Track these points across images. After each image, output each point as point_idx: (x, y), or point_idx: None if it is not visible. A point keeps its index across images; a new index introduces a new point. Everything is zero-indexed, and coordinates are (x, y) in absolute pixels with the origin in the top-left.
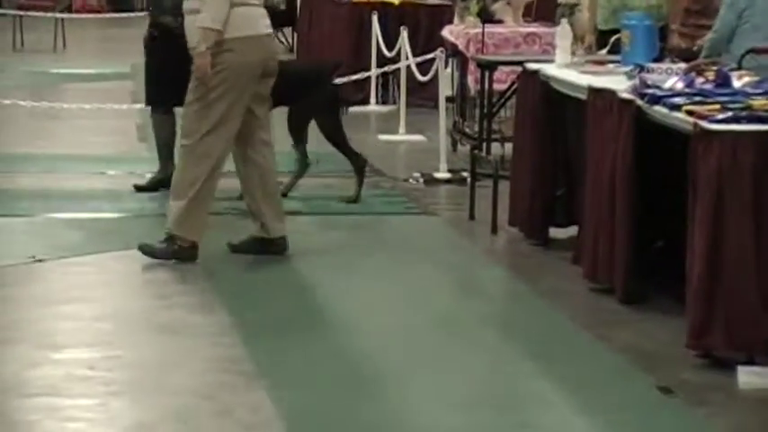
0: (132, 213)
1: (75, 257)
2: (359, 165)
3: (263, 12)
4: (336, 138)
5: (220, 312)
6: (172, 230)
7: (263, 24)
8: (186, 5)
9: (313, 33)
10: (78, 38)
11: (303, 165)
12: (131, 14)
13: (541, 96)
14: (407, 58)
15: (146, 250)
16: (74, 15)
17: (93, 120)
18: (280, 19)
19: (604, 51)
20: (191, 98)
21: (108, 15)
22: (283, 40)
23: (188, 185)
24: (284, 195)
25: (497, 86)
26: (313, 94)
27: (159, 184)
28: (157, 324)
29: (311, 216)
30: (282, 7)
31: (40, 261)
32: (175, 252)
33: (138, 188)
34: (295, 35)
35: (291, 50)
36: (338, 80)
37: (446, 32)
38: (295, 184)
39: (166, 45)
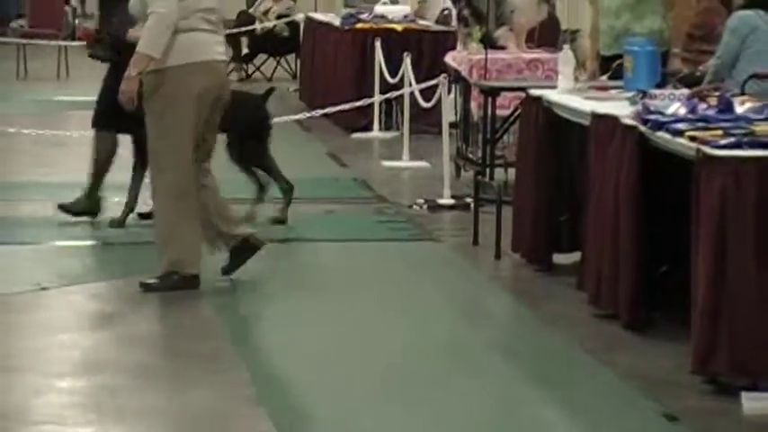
0: (137, 240)
1: (80, 285)
2: (287, 189)
3: (217, 38)
4: (266, 163)
5: (223, 339)
6: (168, 269)
7: (215, 51)
8: (132, 34)
9: (316, 60)
10: (81, 65)
11: (261, 189)
12: None
13: (544, 122)
14: (410, 85)
15: (147, 288)
16: (76, 43)
17: None
18: (283, 46)
19: (606, 77)
20: (148, 134)
21: None
22: (287, 67)
23: (167, 224)
24: (251, 221)
25: (500, 112)
26: (245, 120)
27: (83, 211)
28: (162, 350)
29: (312, 242)
30: (286, 34)
31: (44, 289)
32: (175, 283)
33: (61, 206)
34: (298, 62)
35: (295, 78)
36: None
37: (449, 59)
38: (255, 209)
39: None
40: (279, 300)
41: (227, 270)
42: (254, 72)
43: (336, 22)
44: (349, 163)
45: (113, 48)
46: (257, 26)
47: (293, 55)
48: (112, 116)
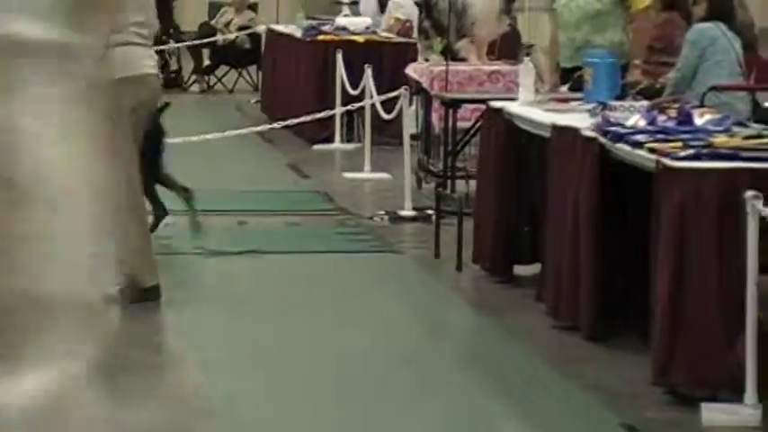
0: None
1: None
2: (188, 197)
3: (148, 51)
4: (161, 177)
5: (177, 351)
6: (127, 282)
7: (147, 64)
8: None
9: (278, 72)
10: None
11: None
12: None
13: (505, 134)
14: (372, 97)
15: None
16: None
17: None
18: (244, 58)
19: (566, 88)
20: None
21: None
22: (248, 78)
23: (122, 239)
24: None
25: (462, 124)
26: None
27: None
28: (115, 360)
29: (273, 254)
30: (247, 46)
31: None
32: (136, 296)
33: None
34: (260, 74)
35: (257, 90)
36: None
37: (410, 70)
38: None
39: None
40: (237, 311)
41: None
42: (215, 84)
43: (298, 33)
44: (310, 174)
45: None
46: (219, 38)
47: (254, 67)
48: None
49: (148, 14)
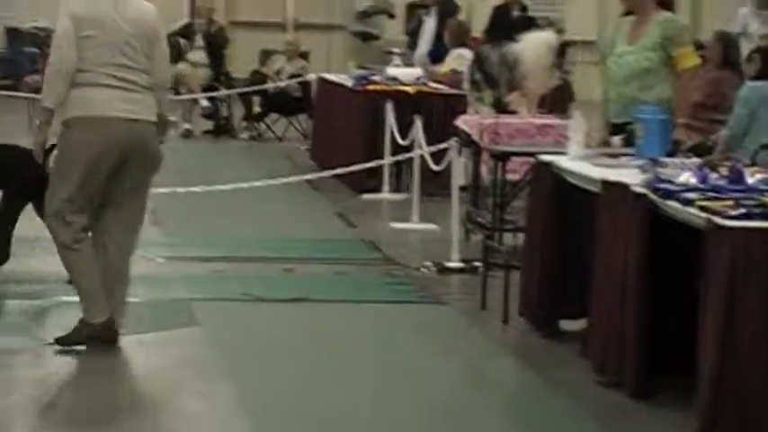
0: (142, 299)
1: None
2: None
3: (126, 95)
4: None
5: (227, 401)
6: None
7: (116, 107)
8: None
9: (327, 121)
10: None
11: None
12: None
13: (554, 188)
14: (421, 147)
15: (60, 341)
16: None
17: None
18: (295, 106)
19: (617, 139)
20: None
21: None
22: (298, 126)
23: (67, 271)
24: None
25: (510, 176)
26: (25, 178)
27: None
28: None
29: (319, 303)
30: (298, 94)
31: (51, 344)
32: (90, 334)
33: None
34: (310, 122)
35: (306, 137)
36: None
37: (460, 122)
38: None
39: None
40: (283, 360)
41: (59, 339)
42: (265, 131)
43: (348, 82)
44: (358, 223)
45: None
46: (269, 85)
47: (304, 115)
48: None
49: (140, 60)
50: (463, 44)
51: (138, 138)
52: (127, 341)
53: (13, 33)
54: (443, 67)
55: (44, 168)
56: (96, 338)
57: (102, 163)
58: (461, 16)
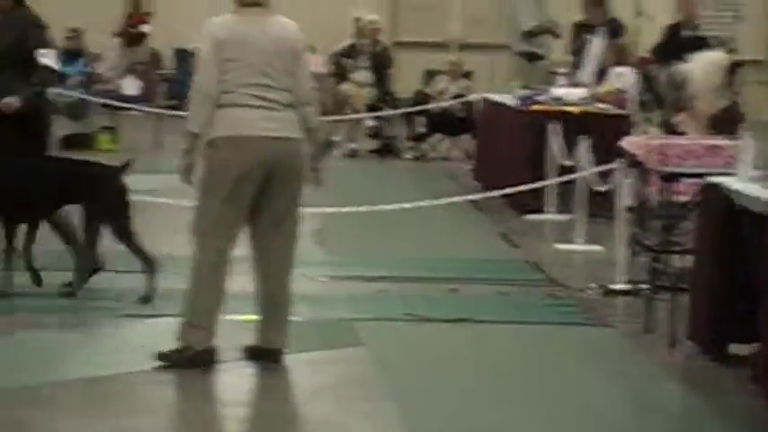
0: (305, 318)
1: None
2: (150, 265)
3: (267, 114)
4: (125, 237)
5: (390, 418)
6: (180, 343)
7: (258, 126)
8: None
9: (491, 141)
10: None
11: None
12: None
13: (723, 210)
14: (586, 168)
15: (162, 357)
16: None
17: None
18: (458, 126)
19: None
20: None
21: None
22: (461, 146)
23: (190, 291)
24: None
25: (678, 198)
26: (101, 194)
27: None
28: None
29: (481, 324)
30: (461, 114)
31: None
32: (190, 359)
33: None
34: (473, 142)
35: (470, 158)
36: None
37: (625, 143)
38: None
39: None
40: (447, 381)
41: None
42: (429, 151)
43: (512, 102)
44: (521, 244)
45: None
46: (433, 105)
47: (468, 135)
48: None
49: (281, 78)
50: (623, 63)
51: (281, 155)
52: (291, 360)
53: (181, 55)
54: (604, 86)
55: (125, 191)
56: (197, 365)
57: (247, 181)
58: (627, 37)
